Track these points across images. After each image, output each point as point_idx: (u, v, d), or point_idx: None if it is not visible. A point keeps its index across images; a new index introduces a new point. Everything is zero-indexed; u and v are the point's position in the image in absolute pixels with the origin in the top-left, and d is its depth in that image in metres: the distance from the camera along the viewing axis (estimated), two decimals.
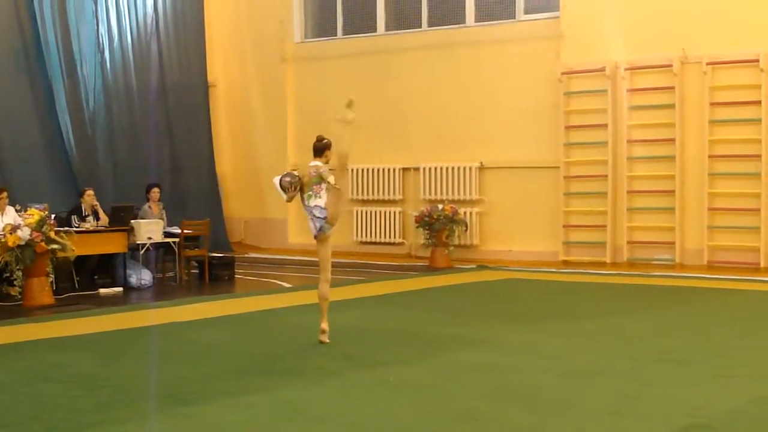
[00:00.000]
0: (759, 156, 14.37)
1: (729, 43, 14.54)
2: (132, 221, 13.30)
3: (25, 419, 5.93)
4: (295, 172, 8.43)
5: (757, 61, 14.29)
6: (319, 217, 8.26)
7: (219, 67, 19.28)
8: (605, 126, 15.46)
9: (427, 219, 15.77)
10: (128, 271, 13.23)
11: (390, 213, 17.38)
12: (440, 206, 15.86)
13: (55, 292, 11.71)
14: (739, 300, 11.84)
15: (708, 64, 14.65)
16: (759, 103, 14.35)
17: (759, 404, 6.23)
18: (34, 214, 11.37)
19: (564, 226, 15.87)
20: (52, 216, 11.77)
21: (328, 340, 8.34)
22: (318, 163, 8.40)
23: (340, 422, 5.81)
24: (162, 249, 14.03)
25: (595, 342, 8.63)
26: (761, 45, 14.29)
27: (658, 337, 8.95)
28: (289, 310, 10.89)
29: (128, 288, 13.02)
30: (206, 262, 14.09)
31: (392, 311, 10.80)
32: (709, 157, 14.72)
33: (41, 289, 11.30)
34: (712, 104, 14.71)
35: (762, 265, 14.30)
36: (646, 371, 7.29)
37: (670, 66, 14.95)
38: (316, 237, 8.40)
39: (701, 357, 7.92)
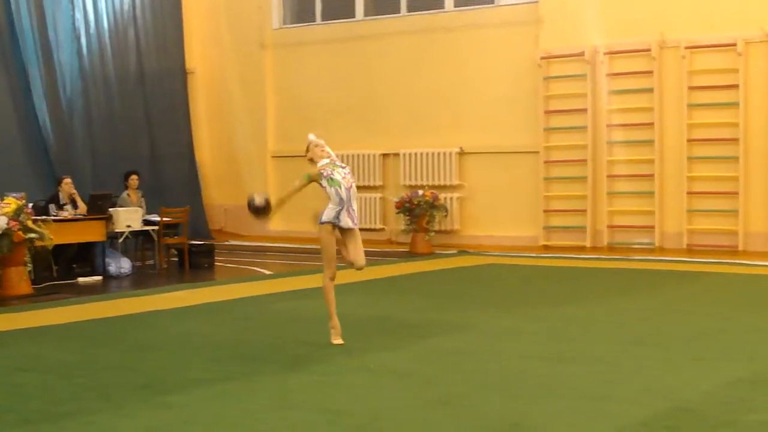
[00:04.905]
0: (737, 139, 14.45)
1: (707, 27, 14.58)
2: (110, 209, 13.22)
3: None
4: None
5: (735, 45, 14.33)
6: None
7: (197, 54, 19.16)
8: (585, 111, 15.49)
9: (407, 205, 15.76)
10: (107, 260, 13.15)
11: (370, 199, 17.34)
12: (420, 192, 15.86)
13: (34, 282, 11.62)
14: (718, 283, 11.90)
15: (686, 48, 14.69)
16: (737, 86, 14.41)
17: (736, 387, 6.26)
18: (11, 202, 11.26)
19: (544, 211, 15.90)
20: (30, 205, 11.67)
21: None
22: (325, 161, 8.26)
23: (319, 409, 5.80)
24: (141, 237, 13.99)
25: (574, 326, 8.65)
26: (739, 29, 14.33)
27: (637, 320, 8.99)
28: (269, 297, 10.87)
29: (107, 276, 12.94)
30: (186, 249, 14.04)
31: (372, 297, 10.79)
32: (688, 141, 14.78)
33: (19, 279, 11.22)
34: (691, 88, 14.76)
35: (740, 248, 14.39)
36: (625, 355, 7.32)
37: (648, 50, 14.98)
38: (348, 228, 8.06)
39: (679, 340, 7.96)
